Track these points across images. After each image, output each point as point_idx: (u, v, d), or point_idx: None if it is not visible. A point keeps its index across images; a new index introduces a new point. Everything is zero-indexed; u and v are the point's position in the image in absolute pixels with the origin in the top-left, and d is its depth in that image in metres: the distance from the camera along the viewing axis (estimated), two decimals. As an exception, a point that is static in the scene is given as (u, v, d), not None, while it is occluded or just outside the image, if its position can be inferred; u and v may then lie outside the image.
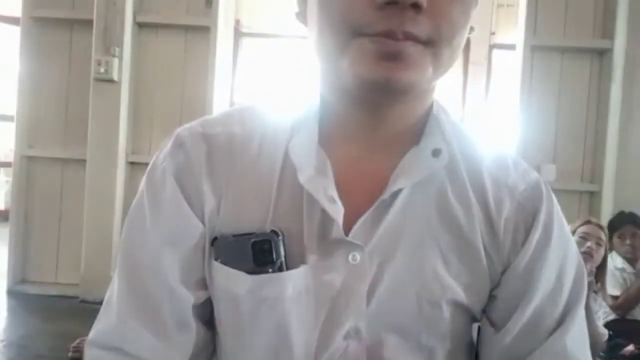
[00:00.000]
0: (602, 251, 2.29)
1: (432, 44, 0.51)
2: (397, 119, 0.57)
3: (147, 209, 0.58)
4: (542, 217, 0.59)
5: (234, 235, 0.56)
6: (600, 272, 2.29)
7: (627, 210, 3.04)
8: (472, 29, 0.57)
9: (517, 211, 0.59)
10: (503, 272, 0.58)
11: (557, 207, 0.61)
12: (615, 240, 2.85)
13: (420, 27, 0.49)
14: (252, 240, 0.55)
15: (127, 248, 0.59)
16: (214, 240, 0.56)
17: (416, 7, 0.48)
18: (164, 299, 0.56)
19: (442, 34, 0.51)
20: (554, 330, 0.57)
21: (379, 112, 0.56)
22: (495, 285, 0.59)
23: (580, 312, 0.59)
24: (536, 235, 0.58)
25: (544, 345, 0.57)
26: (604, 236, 2.31)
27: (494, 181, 0.59)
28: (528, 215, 0.59)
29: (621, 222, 2.89)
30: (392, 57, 0.50)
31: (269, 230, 0.55)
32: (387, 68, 0.50)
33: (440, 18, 0.50)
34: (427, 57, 0.51)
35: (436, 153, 0.57)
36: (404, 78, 0.50)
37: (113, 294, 0.59)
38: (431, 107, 0.60)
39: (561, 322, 0.58)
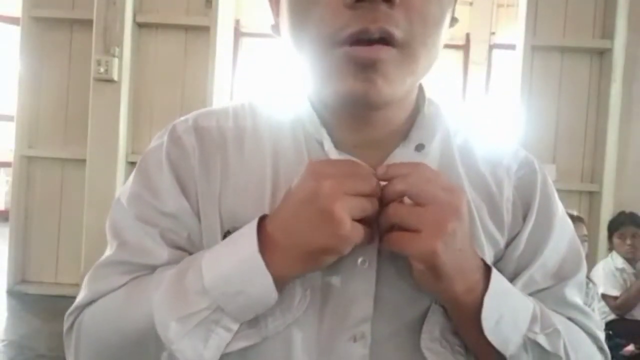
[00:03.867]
0: (586, 246, 2.28)
1: (407, 45, 0.50)
2: (381, 121, 0.57)
3: (141, 192, 0.58)
4: (538, 194, 0.61)
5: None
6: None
7: (627, 210, 3.04)
8: (455, 19, 0.57)
9: (515, 189, 0.61)
10: (506, 247, 0.60)
11: (550, 182, 0.63)
12: (616, 240, 2.85)
13: (395, 22, 0.49)
14: None
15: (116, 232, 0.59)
16: (226, 234, 0.56)
17: (388, 1, 0.48)
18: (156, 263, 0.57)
19: (414, 31, 0.50)
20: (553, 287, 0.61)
21: (363, 117, 0.56)
22: (498, 260, 0.60)
23: (581, 276, 0.62)
24: (535, 210, 0.60)
25: (542, 292, 0.59)
26: (586, 230, 2.30)
27: (491, 166, 0.61)
28: (525, 192, 0.61)
29: (621, 223, 2.89)
30: (368, 67, 0.50)
31: None
32: (365, 81, 0.50)
33: (414, 12, 0.49)
34: (403, 65, 0.51)
35: (419, 148, 0.58)
36: (382, 92, 0.50)
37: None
38: (419, 101, 0.60)
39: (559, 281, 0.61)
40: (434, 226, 0.48)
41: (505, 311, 0.52)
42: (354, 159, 0.55)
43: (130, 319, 0.54)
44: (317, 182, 0.48)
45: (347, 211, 0.47)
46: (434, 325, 0.55)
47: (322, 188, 0.47)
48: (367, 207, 0.49)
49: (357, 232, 0.49)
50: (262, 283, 0.49)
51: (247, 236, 0.51)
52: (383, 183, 0.51)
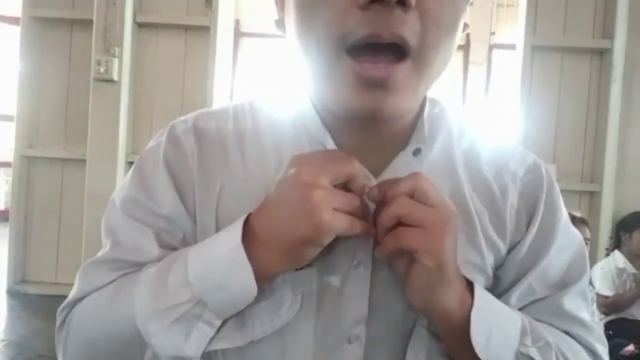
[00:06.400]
0: (587, 249, 2.28)
1: (419, 52, 0.48)
2: (386, 126, 0.55)
3: (136, 193, 0.58)
4: (543, 200, 0.59)
5: None
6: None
7: (628, 210, 3.06)
8: (466, 25, 0.56)
9: (519, 196, 0.59)
10: (508, 253, 0.59)
11: (556, 189, 0.61)
12: (638, 235, 2.84)
13: (408, 27, 0.47)
14: None
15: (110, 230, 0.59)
16: None
17: (403, 5, 0.46)
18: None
19: (428, 37, 0.48)
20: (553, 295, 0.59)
21: (366, 124, 0.54)
22: (499, 266, 0.59)
23: (583, 284, 0.60)
24: (539, 217, 0.58)
25: (540, 302, 0.58)
26: (589, 233, 2.30)
27: (496, 170, 0.59)
28: (529, 199, 0.59)
29: (636, 222, 2.90)
30: (378, 85, 0.48)
31: None
32: (374, 98, 0.48)
33: (428, 18, 0.47)
34: (414, 75, 0.49)
35: (416, 152, 0.56)
36: (391, 106, 0.49)
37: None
38: (423, 104, 0.59)
39: (560, 289, 0.59)
40: (440, 224, 0.48)
41: (494, 326, 0.51)
42: None
43: (114, 316, 0.53)
44: (297, 169, 0.48)
45: (325, 200, 0.46)
46: (418, 350, 0.54)
47: (301, 175, 0.47)
48: (351, 200, 0.48)
49: (338, 222, 0.47)
50: (242, 276, 0.48)
51: (233, 230, 0.50)
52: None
